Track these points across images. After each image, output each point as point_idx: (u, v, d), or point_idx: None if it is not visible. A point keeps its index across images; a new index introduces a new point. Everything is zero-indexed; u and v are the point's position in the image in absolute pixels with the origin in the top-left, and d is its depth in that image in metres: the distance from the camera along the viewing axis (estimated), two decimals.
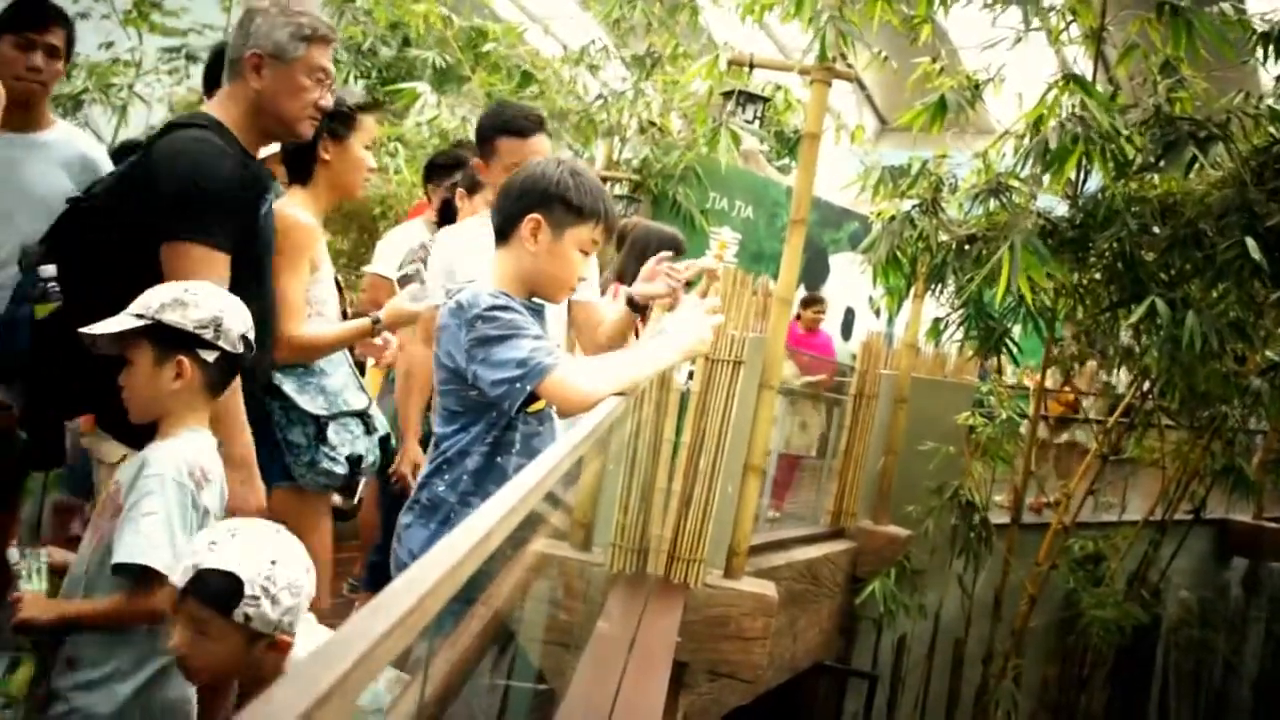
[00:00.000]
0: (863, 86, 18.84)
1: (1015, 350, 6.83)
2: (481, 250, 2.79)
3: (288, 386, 3.43)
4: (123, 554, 2.38)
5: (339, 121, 3.45)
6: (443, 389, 2.59)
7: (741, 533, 5.58)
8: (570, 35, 11.50)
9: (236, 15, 9.78)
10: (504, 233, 2.61)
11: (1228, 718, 13.06)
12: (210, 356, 2.52)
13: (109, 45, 10.01)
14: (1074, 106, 5.31)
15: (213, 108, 2.84)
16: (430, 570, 1.02)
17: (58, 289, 2.79)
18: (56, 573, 2.57)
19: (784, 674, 6.95)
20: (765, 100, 8.40)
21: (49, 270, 2.81)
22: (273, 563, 2.19)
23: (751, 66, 6.02)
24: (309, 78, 2.82)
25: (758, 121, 7.73)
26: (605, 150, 9.14)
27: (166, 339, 2.47)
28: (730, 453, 5.29)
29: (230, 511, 2.60)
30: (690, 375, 5.04)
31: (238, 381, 2.66)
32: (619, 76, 9.59)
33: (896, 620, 8.10)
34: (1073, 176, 5.97)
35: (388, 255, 5.02)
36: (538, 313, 2.60)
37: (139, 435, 2.53)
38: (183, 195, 2.57)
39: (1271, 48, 5.56)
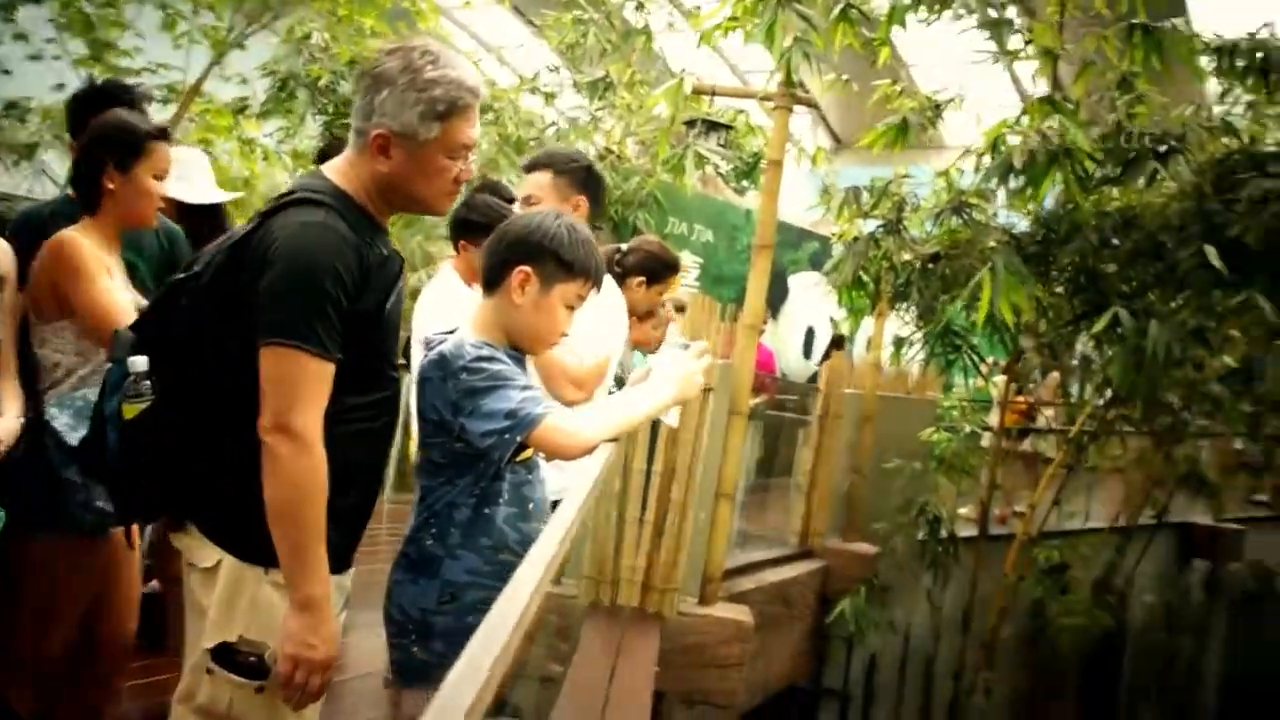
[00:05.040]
0: (817, 107, 18.95)
1: (976, 361, 6.87)
2: None
3: (61, 420, 3.13)
4: None
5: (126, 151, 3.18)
6: (427, 442, 2.54)
7: (715, 560, 5.56)
8: (524, 63, 11.49)
9: (195, 56, 9.70)
10: (491, 281, 2.57)
11: (1192, 716, 13.20)
12: None
13: (61, 87, 9.85)
14: (1043, 126, 5.35)
15: (337, 174, 2.47)
16: (483, 658, 1.01)
17: (149, 385, 2.44)
18: None
19: (757, 697, 6.92)
20: (729, 128, 8.42)
21: (140, 363, 2.44)
22: None
23: (714, 94, 6.02)
24: (448, 156, 2.44)
25: (722, 148, 7.75)
26: None
27: None
28: (702, 480, 5.27)
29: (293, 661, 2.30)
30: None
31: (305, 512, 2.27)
32: (574, 104, 9.57)
33: (867, 638, 8.09)
34: (1037, 193, 6.03)
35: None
36: (520, 361, 2.56)
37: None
38: (289, 293, 2.25)
39: (1224, 63, 5.65)
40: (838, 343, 10.37)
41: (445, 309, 3.98)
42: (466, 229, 4.07)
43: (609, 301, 3.66)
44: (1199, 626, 13.19)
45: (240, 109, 10.26)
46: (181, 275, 2.48)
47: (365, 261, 2.35)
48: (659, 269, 5.11)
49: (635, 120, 8.97)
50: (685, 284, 7.68)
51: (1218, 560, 13.02)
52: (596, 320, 3.54)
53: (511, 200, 4.67)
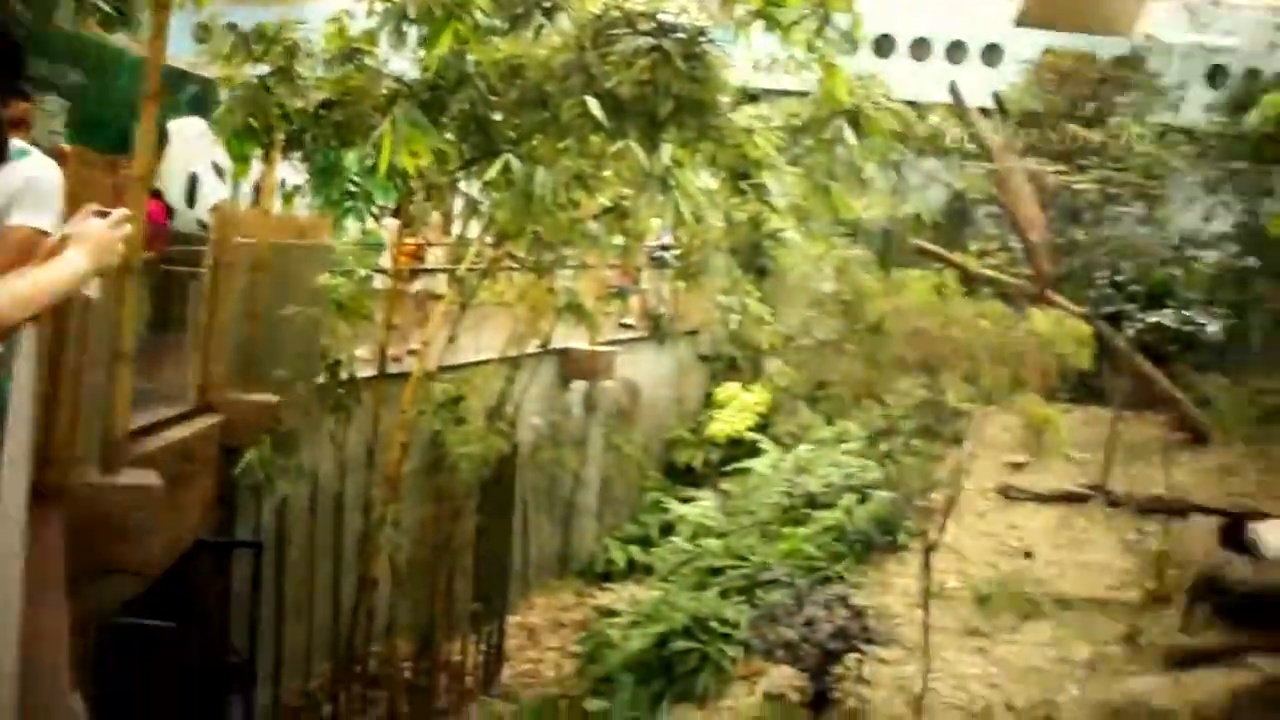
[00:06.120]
0: None
1: (369, 206, 7.00)
2: None
3: None
4: None
5: None
6: None
7: (117, 424, 5.38)
8: None
9: None
10: None
11: (577, 520, 14.67)
12: None
13: None
14: None
15: None
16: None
17: None
18: None
19: (170, 557, 6.79)
20: None
21: None
22: None
23: None
24: None
25: None
26: None
27: None
28: (97, 343, 5.02)
29: None
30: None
31: None
32: None
33: (276, 485, 8.15)
34: (435, 46, 6.14)
35: None
36: None
37: None
38: None
39: None
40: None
41: None
42: None
43: (43, 173, 3.38)
44: (580, 439, 14.49)
45: None
46: None
47: None
48: None
49: None
50: (52, 130, 7.12)
51: (594, 380, 14.31)
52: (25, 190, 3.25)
53: None
